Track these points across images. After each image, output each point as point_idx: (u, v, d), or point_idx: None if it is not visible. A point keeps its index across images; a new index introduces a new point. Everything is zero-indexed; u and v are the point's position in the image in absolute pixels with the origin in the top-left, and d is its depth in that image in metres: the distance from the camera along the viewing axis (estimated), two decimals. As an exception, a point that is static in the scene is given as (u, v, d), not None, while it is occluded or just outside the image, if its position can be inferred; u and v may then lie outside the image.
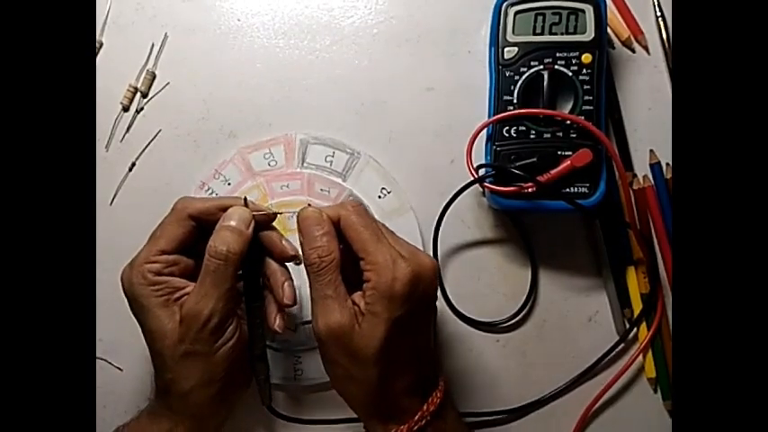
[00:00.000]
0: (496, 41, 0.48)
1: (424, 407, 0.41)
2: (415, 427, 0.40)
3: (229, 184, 0.52)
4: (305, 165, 0.52)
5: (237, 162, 0.52)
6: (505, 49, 0.47)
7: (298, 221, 0.42)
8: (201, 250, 0.42)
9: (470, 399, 0.51)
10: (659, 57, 0.51)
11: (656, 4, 0.51)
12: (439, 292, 0.51)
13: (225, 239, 0.41)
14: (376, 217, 0.46)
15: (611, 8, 0.51)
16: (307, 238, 0.41)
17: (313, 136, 0.52)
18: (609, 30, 0.50)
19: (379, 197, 0.51)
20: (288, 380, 0.51)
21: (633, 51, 0.51)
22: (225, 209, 0.43)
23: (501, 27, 0.48)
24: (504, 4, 0.48)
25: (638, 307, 0.50)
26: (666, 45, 0.51)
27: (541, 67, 0.47)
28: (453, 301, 0.51)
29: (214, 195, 0.52)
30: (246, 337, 0.44)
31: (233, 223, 0.42)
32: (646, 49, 0.51)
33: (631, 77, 0.51)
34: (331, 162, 0.52)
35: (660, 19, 0.51)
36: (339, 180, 0.52)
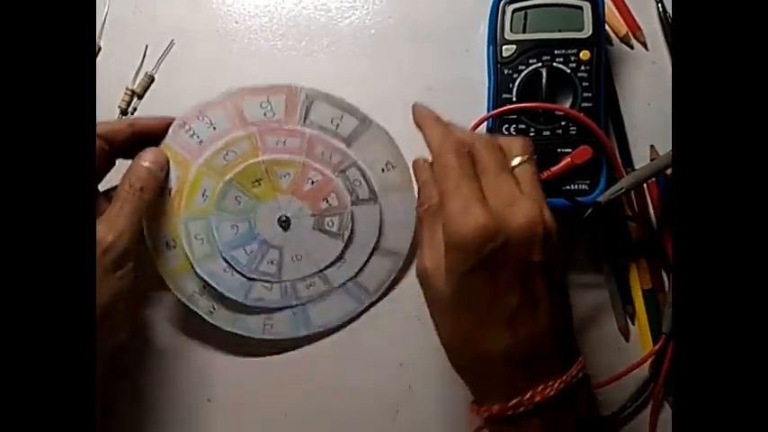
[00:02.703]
0: (494, 40, 0.46)
1: (527, 394, 0.34)
2: (509, 412, 0.34)
3: (215, 128, 0.45)
4: (306, 122, 0.46)
5: (228, 105, 0.45)
6: (503, 48, 0.46)
7: (412, 169, 0.42)
8: None
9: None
10: (658, 52, 0.49)
11: (657, -1, 0.49)
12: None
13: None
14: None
15: (609, 4, 0.49)
16: (417, 183, 0.40)
17: (322, 92, 0.46)
18: (607, 26, 0.48)
19: (383, 170, 0.47)
20: (255, 332, 0.48)
21: (631, 48, 0.49)
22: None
23: (499, 25, 0.46)
24: (502, 2, 0.46)
25: (639, 303, 0.48)
26: (669, 40, 0.49)
27: (540, 64, 0.45)
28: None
29: (197, 138, 0.45)
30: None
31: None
32: (644, 45, 0.49)
33: (630, 74, 0.49)
34: (337, 125, 0.46)
35: (662, 13, 0.49)
36: (343, 146, 0.47)
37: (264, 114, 0.46)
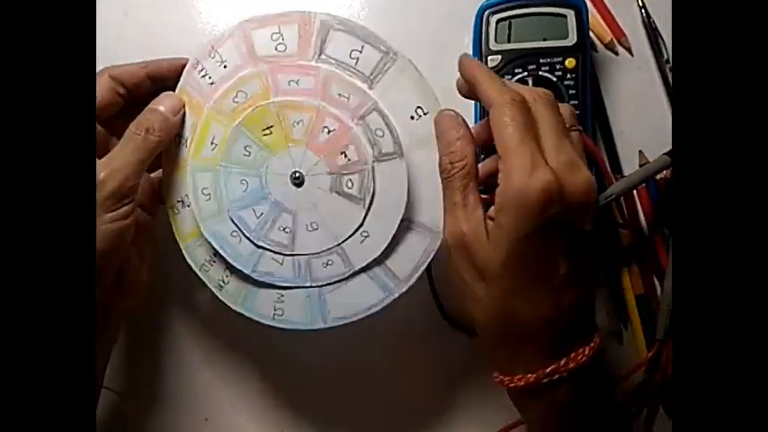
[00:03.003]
0: (480, 51, 0.45)
1: (562, 361, 0.34)
2: (545, 380, 0.34)
3: (225, 66, 0.40)
4: (322, 57, 0.39)
5: (238, 39, 0.40)
6: (489, 58, 0.45)
7: (435, 124, 0.38)
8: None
9: (468, 404, 0.49)
10: (643, 58, 0.49)
11: (641, 4, 0.49)
12: (430, 296, 0.48)
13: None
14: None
15: (593, 11, 0.48)
16: (441, 143, 0.37)
17: (339, 18, 0.39)
18: (591, 33, 0.48)
19: (412, 117, 0.39)
20: (264, 317, 0.42)
21: (616, 54, 0.49)
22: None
23: (483, 36, 0.45)
24: (486, 12, 0.45)
25: (632, 308, 0.47)
26: (654, 46, 0.48)
27: (526, 73, 0.45)
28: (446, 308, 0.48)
29: (208, 78, 0.41)
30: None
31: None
32: (629, 50, 0.49)
33: (616, 80, 0.49)
34: (357, 59, 0.39)
35: (646, 18, 0.48)
36: (364, 86, 0.39)
37: (276, 48, 0.40)
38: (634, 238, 0.48)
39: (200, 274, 0.43)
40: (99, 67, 0.41)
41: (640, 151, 0.49)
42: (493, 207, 0.34)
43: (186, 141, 0.42)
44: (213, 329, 0.49)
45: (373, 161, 0.39)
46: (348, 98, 0.39)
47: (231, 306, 0.43)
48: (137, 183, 0.38)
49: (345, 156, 0.40)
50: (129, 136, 0.39)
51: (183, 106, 0.41)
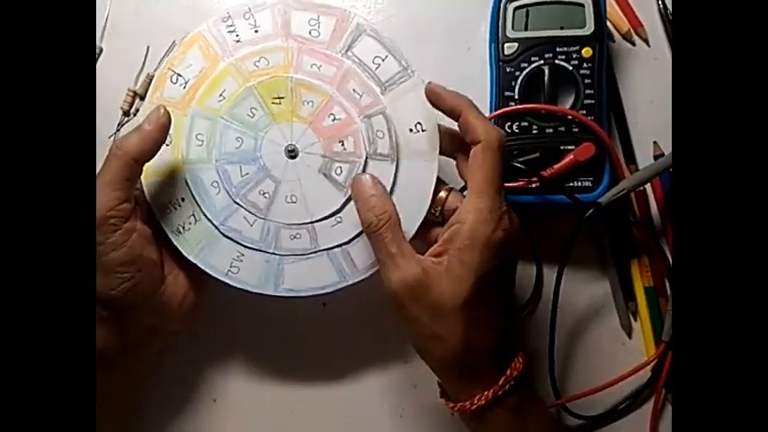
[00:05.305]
0: (496, 37, 0.46)
1: (507, 372, 0.38)
2: (500, 392, 0.37)
3: (257, 31, 0.42)
4: (348, 54, 0.42)
5: (276, 12, 0.42)
6: (505, 45, 0.45)
7: (352, 186, 0.40)
8: None
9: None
10: (659, 49, 0.49)
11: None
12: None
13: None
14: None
15: (610, 1, 0.48)
16: (360, 202, 0.39)
17: (373, 27, 0.42)
18: (608, 23, 0.48)
19: (411, 130, 0.42)
20: (217, 272, 0.42)
21: (633, 44, 0.49)
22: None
23: (500, 23, 0.45)
24: (503, 0, 0.45)
25: (641, 300, 0.48)
26: (670, 38, 0.49)
27: (542, 62, 0.45)
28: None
29: (235, 35, 0.42)
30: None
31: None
32: (646, 41, 0.49)
33: (632, 70, 0.49)
34: (378, 65, 0.42)
35: (663, 9, 0.49)
36: (378, 89, 0.42)
37: (310, 33, 0.42)
38: (644, 231, 0.48)
39: (158, 215, 0.42)
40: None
41: (655, 142, 0.49)
42: (434, 249, 0.38)
43: (185, 83, 0.42)
44: (221, 313, 0.49)
45: (366, 157, 0.42)
46: (361, 96, 0.42)
47: (185, 254, 0.42)
48: (124, 196, 0.38)
49: (342, 145, 0.42)
50: (111, 153, 0.39)
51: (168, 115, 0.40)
